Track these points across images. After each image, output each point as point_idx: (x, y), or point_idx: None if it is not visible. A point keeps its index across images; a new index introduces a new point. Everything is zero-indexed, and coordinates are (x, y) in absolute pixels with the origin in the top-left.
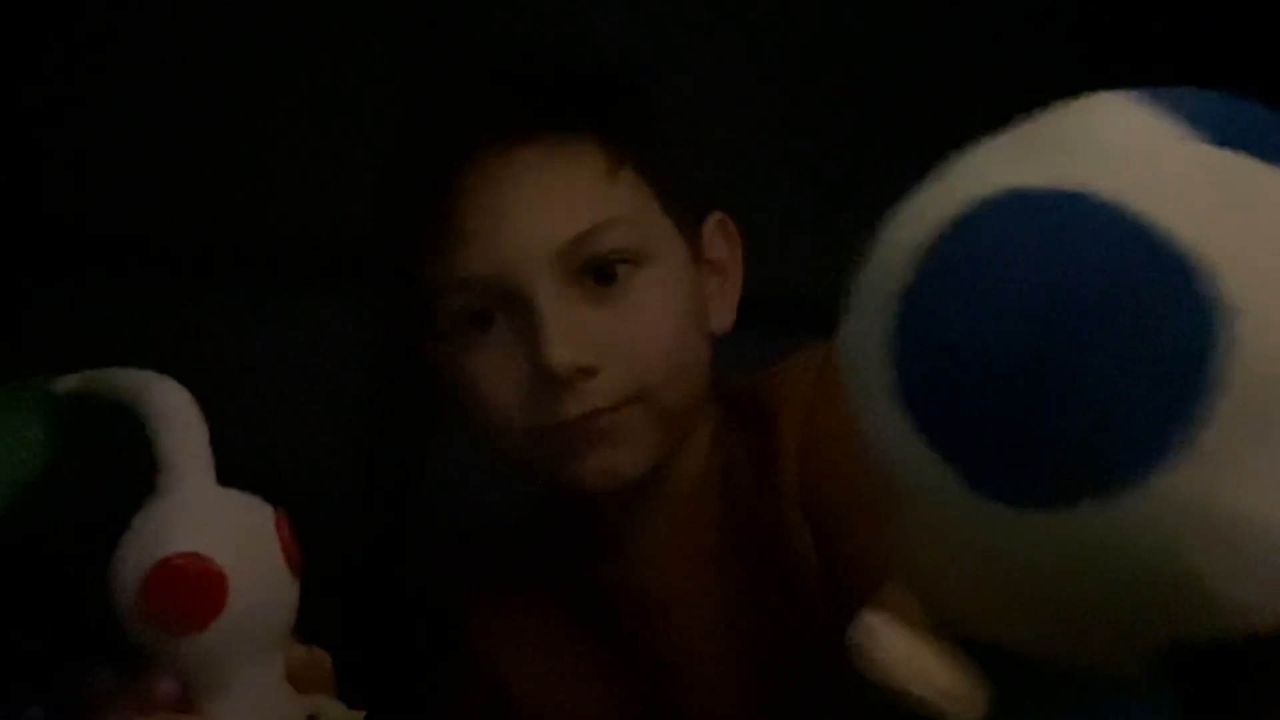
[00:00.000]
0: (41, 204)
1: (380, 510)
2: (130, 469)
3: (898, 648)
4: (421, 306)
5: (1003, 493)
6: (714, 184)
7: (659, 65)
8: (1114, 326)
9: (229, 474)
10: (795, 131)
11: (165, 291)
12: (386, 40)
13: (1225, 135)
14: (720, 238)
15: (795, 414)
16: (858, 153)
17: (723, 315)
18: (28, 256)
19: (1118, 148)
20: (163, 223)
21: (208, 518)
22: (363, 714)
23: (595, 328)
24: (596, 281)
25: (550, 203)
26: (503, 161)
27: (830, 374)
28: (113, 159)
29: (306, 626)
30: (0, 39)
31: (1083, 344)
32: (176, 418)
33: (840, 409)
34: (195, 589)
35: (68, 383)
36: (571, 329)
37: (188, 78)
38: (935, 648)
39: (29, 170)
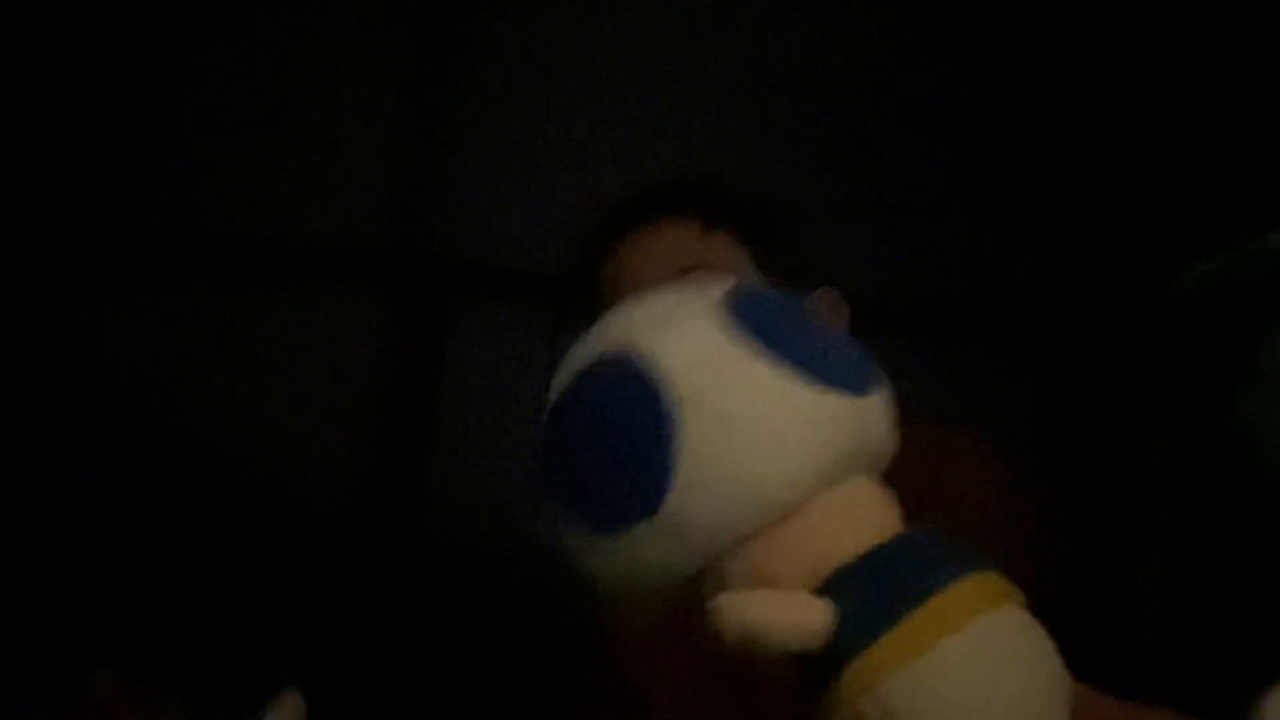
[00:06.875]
0: (44, 206)
1: (383, 509)
2: None
3: (749, 603)
4: None
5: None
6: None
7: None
8: (613, 426)
9: (230, 474)
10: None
11: (167, 292)
12: (387, 41)
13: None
14: (827, 311)
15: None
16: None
17: None
18: (30, 258)
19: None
20: (164, 224)
21: None
22: None
23: None
24: None
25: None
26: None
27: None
28: (115, 162)
29: (307, 624)
30: (2, 41)
31: (601, 434)
32: None
33: None
34: None
35: None
36: None
37: (188, 81)
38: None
39: (31, 173)
